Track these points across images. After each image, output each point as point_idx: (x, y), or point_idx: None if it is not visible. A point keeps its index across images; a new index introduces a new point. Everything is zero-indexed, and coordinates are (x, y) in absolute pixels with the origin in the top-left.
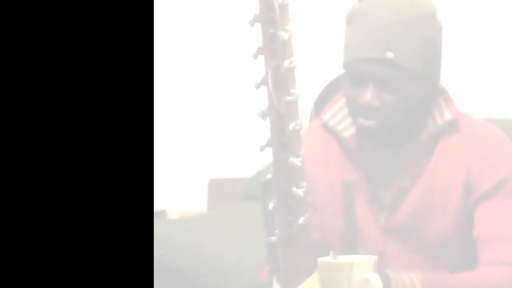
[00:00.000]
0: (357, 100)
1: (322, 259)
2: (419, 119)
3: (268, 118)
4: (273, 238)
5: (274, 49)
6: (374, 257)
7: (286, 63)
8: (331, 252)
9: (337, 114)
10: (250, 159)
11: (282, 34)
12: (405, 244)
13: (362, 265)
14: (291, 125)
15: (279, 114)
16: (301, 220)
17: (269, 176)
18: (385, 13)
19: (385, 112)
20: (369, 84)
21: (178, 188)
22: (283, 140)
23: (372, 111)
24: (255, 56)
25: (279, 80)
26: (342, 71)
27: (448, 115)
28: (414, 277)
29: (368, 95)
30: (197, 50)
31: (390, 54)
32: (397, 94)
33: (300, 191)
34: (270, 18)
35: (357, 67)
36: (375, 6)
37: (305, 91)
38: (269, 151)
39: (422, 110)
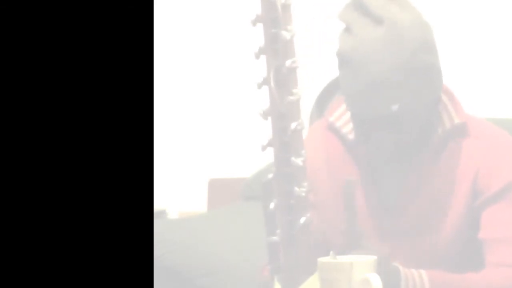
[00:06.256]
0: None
1: (322, 259)
2: (428, 123)
3: (269, 118)
4: (274, 238)
5: (276, 49)
6: (374, 257)
7: (288, 63)
8: (331, 252)
9: (343, 115)
10: (250, 159)
11: (284, 34)
12: (411, 246)
13: (362, 265)
14: (293, 125)
15: (281, 113)
16: (302, 220)
17: (270, 175)
18: (379, 57)
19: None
20: (378, 126)
21: (178, 188)
22: (284, 140)
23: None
24: (257, 56)
25: (281, 80)
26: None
27: (456, 120)
28: (423, 273)
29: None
30: (198, 50)
31: (395, 107)
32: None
33: (301, 191)
34: (272, 18)
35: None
36: (367, 48)
37: (306, 91)
38: (269, 151)
39: (430, 114)
